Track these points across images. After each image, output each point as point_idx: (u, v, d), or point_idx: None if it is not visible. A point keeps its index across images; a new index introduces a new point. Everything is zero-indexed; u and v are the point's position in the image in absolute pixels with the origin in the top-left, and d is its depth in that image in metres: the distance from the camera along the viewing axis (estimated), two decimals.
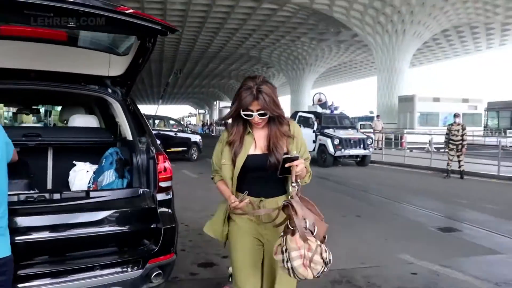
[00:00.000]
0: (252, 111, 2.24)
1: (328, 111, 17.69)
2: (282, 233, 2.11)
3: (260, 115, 2.24)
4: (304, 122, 16.83)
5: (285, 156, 2.13)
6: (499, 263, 5.15)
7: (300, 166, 2.11)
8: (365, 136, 16.63)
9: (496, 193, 10.57)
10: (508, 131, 35.63)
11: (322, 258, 1.98)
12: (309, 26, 36.31)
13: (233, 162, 2.30)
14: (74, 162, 3.81)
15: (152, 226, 2.92)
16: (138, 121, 3.40)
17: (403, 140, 22.83)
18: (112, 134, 3.93)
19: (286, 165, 2.09)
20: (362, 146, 16.01)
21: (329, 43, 41.45)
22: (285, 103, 46.45)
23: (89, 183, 3.61)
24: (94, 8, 2.30)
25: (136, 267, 2.81)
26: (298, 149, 2.33)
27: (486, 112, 39.93)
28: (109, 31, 3.05)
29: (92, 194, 3.01)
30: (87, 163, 3.80)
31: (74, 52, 3.22)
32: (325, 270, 2.03)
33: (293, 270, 1.99)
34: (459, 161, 12.48)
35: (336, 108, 18.12)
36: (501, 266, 5.05)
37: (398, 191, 10.54)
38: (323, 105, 18.14)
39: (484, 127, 36.39)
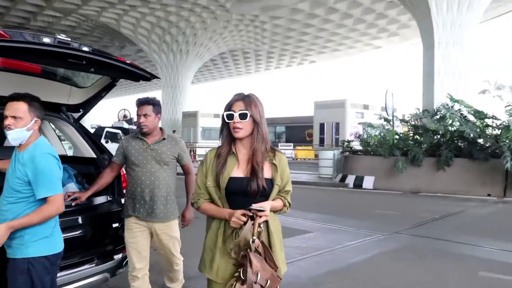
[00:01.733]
0: (234, 111, 2.28)
1: (134, 126, 20.77)
2: (235, 276, 2.23)
3: (241, 116, 2.26)
4: (112, 137, 19.53)
5: (251, 207, 2.18)
6: (311, 238, 7.08)
7: (264, 219, 2.22)
8: None
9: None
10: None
11: None
12: (93, 38, 38.23)
13: (217, 185, 2.31)
14: None
15: (122, 223, 3.78)
16: (94, 142, 4.31)
17: (192, 153, 27.29)
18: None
19: (249, 222, 2.19)
20: None
21: None
22: None
23: None
24: (113, 60, 3.31)
25: (114, 257, 3.76)
26: (282, 179, 2.37)
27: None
28: (112, 74, 3.89)
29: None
30: None
31: (43, 83, 3.88)
32: None
33: None
34: None
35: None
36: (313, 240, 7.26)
37: None
38: (128, 121, 21.10)
39: None
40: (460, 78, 23.84)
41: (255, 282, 2.14)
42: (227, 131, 2.37)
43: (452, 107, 13.93)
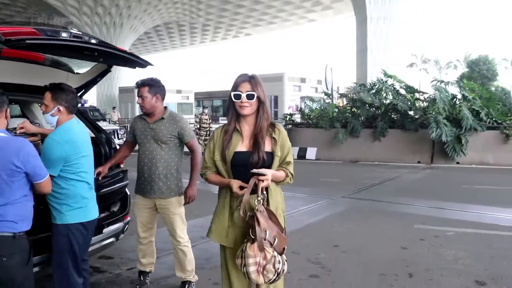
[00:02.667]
0: (241, 91, 2.53)
1: (80, 105, 20.59)
2: (245, 240, 2.45)
3: (248, 97, 2.52)
4: None
5: (252, 171, 2.42)
6: None
7: (266, 183, 2.44)
8: (118, 127, 20.41)
9: None
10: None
11: (274, 268, 2.34)
12: (18, 9, 36.50)
13: (223, 159, 2.60)
14: None
15: (123, 195, 4.43)
16: (90, 123, 4.64)
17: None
18: None
19: (251, 181, 2.42)
20: (116, 136, 19.72)
21: None
22: None
23: None
24: (115, 49, 3.76)
25: (120, 222, 4.24)
26: (282, 151, 2.62)
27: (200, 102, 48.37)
28: (115, 63, 4.23)
29: None
30: None
31: (43, 70, 4.19)
32: (276, 278, 2.40)
33: (247, 274, 2.37)
34: (205, 145, 17.20)
35: (86, 102, 21.21)
36: None
37: None
38: None
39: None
40: (390, 52, 25.50)
41: (265, 239, 2.38)
42: (233, 109, 2.63)
43: (386, 81, 15.28)
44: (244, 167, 2.55)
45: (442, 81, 14.62)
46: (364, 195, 8.86)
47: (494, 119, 13.44)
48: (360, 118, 15.01)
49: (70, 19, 36.35)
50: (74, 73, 4.63)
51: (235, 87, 2.59)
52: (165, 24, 43.36)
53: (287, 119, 18.21)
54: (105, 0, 34.60)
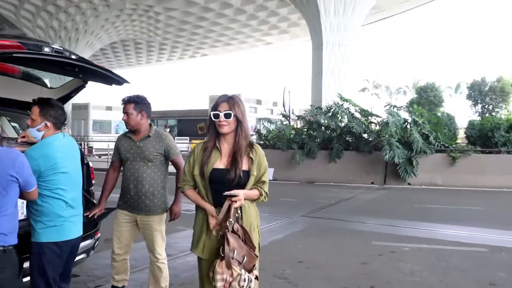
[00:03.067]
0: (220, 111, 2.67)
1: None
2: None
3: (226, 116, 2.66)
4: None
5: (224, 194, 2.57)
6: None
7: (239, 203, 2.61)
8: None
9: None
10: None
11: (239, 285, 2.49)
12: None
13: (202, 174, 2.72)
14: None
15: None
16: None
17: (88, 147, 26.71)
18: None
19: (225, 204, 2.57)
20: None
21: None
22: None
23: None
24: (92, 65, 3.76)
25: (91, 239, 4.17)
26: (258, 170, 2.74)
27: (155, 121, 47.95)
28: (92, 79, 4.22)
29: None
30: None
31: (16, 83, 4.21)
32: None
33: None
34: None
35: None
36: None
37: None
38: None
39: None
40: (344, 77, 26.30)
41: (232, 258, 2.52)
42: (213, 128, 2.75)
43: (342, 105, 15.87)
44: (221, 183, 2.66)
45: (394, 106, 15.38)
46: (322, 214, 9.17)
47: (441, 142, 14.26)
48: (316, 140, 15.48)
49: (23, 31, 35.46)
50: (47, 87, 4.62)
51: (215, 106, 2.72)
52: (122, 41, 43.07)
53: None
54: (61, 14, 34.05)
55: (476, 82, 41.30)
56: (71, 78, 4.41)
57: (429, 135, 14.16)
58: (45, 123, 3.06)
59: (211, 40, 44.47)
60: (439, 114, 25.19)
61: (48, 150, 3.01)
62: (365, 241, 6.81)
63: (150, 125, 3.95)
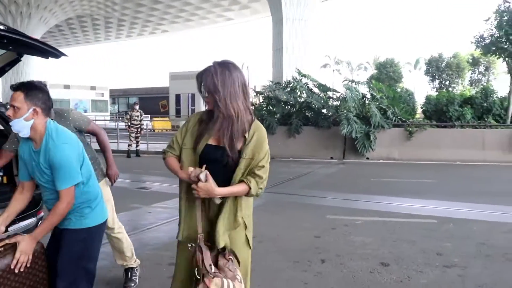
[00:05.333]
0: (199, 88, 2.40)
1: None
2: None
3: (201, 91, 2.38)
4: None
5: (196, 171, 2.27)
6: None
7: (200, 194, 2.25)
8: None
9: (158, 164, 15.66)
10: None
11: None
12: None
13: (194, 149, 2.40)
14: None
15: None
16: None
17: None
18: None
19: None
20: None
21: None
22: None
23: None
24: (25, 37, 3.54)
25: (33, 217, 4.07)
26: (253, 154, 2.35)
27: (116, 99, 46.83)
28: (26, 52, 3.97)
29: None
30: None
31: None
32: None
33: None
34: (137, 142, 15.58)
35: None
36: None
37: None
38: None
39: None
40: (305, 53, 26.29)
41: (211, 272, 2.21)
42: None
43: (301, 80, 15.82)
44: (211, 161, 2.35)
45: (353, 81, 15.42)
46: (280, 189, 9.14)
47: (399, 117, 14.44)
48: (275, 116, 15.42)
49: None
50: None
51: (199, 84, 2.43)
52: (78, 17, 41.51)
53: None
54: None
55: (434, 58, 42.31)
56: (4, 51, 4.02)
57: (387, 110, 14.33)
58: (34, 109, 2.54)
59: (171, 16, 43.42)
60: (399, 89, 25.64)
61: (69, 132, 2.72)
62: (320, 215, 6.83)
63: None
